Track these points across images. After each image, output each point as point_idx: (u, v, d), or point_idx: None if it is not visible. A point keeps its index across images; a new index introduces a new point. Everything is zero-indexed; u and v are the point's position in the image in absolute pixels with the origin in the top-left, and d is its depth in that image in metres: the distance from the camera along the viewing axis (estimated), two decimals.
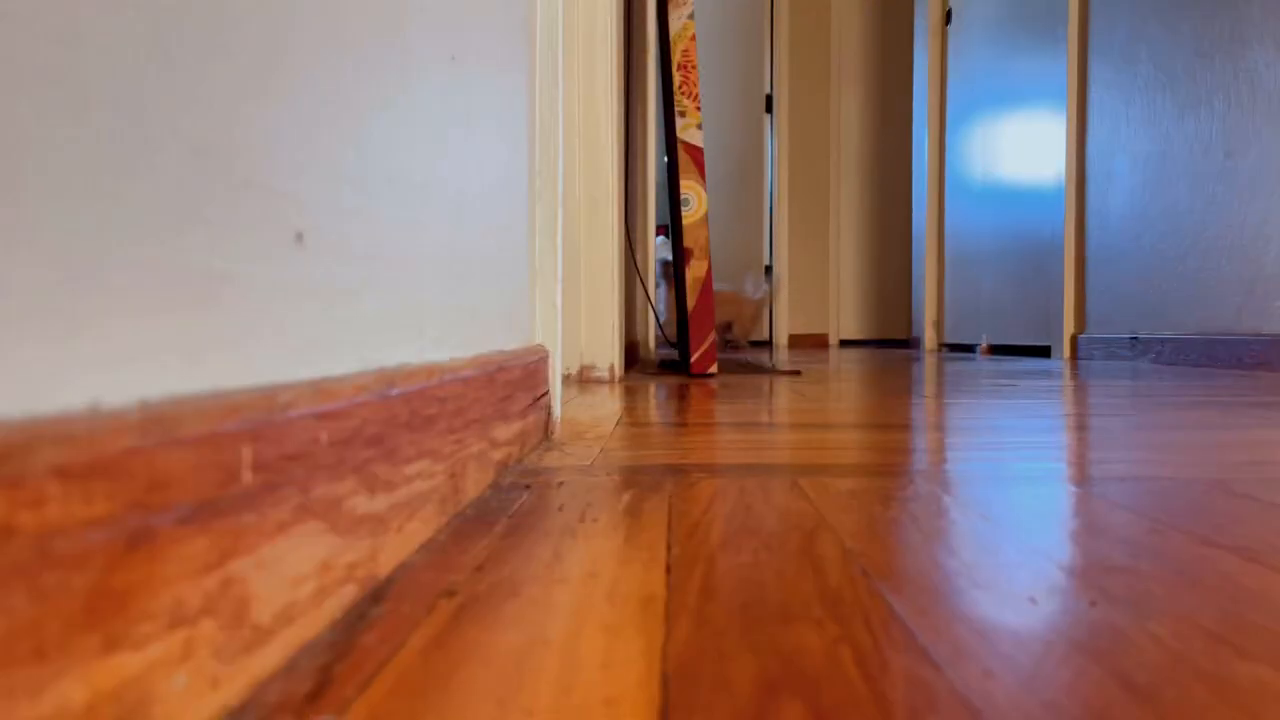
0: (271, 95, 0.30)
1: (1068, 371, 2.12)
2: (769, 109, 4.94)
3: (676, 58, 1.79)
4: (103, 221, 0.21)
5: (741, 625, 0.32)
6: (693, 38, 1.80)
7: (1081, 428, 0.95)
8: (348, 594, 0.33)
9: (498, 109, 0.68)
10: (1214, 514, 0.50)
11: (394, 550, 0.38)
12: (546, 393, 0.82)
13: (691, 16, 1.80)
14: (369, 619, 0.32)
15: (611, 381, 1.71)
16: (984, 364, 2.52)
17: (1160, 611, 0.33)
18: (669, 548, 0.43)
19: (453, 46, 0.54)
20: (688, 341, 1.80)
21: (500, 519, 0.49)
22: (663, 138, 2.36)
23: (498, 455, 0.61)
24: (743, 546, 0.43)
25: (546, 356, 0.83)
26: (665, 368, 2.19)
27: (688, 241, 1.78)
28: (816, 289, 4.97)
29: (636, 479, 0.62)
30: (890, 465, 0.68)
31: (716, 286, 3.62)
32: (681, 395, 1.37)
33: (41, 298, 0.19)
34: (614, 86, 1.77)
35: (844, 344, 4.91)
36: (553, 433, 0.85)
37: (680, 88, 1.79)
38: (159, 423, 0.22)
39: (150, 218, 0.23)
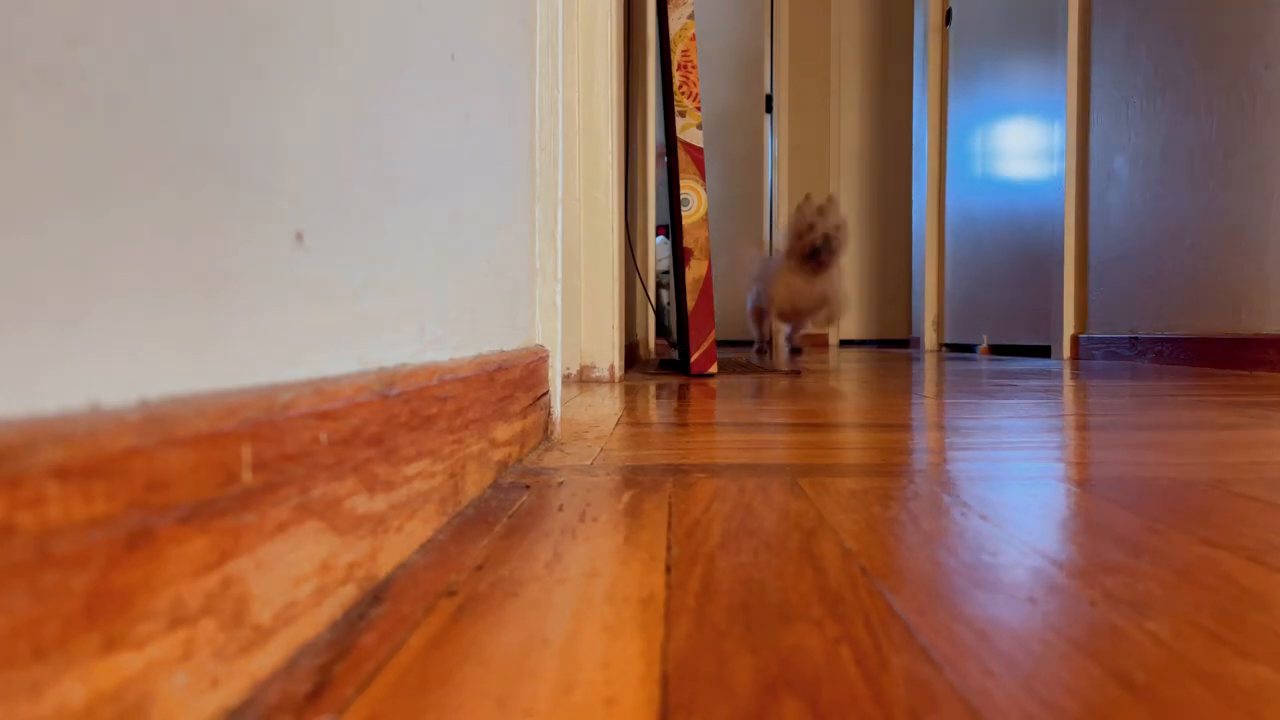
0: (272, 95, 0.30)
1: (1068, 371, 2.12)
2: (769, 109, 4.94)
3: (676, 58, 1.79)
4: (102, 221, 0.21)
5: (741, 625, 0.32)
6: (693, 38, 1.80)
7: (1081, 427, 0.95)
8: (348, 594, 0.33)
9: (497, 108, 0.68)
10: (1214, 514, 0.50)
11: (394, 550, 0.38)
12: (546, 392, 0.82)
13: (691, 16, 1.80)
14: (369, 619, 0.32)
15: (611, 381, 1.71)
16: (984, 364, 2.52)
17: (1160, 611, 0.33)
18: (669, 547, 0.43)
19: (452, 45, 0.54)
20: (688, 341, 1.80)
21: (500, 519, 0.49)
22: (663, 138, 2.36)
23: (498, 455, 0.61)
24: (743, 546, 0.43)
25: (546, 356, 0.83)
26: (665, 368, 2.19)
27: (688, 241, 1.78)
28: None
29: (636, 479, 0.62)
30: (890, 465, 0.68)
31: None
32: (681, 395, 1.37)
33: (42, 297, 0.19)
34: (614, 86, 1.77)
35: (844, 344, 4.91)
36: (553, 432, 0.85)
37: (680, 88, 1.79)
38: (159, 422, 0.22)
39: (150, 217, 0.23)
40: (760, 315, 3.01)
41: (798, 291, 2.47)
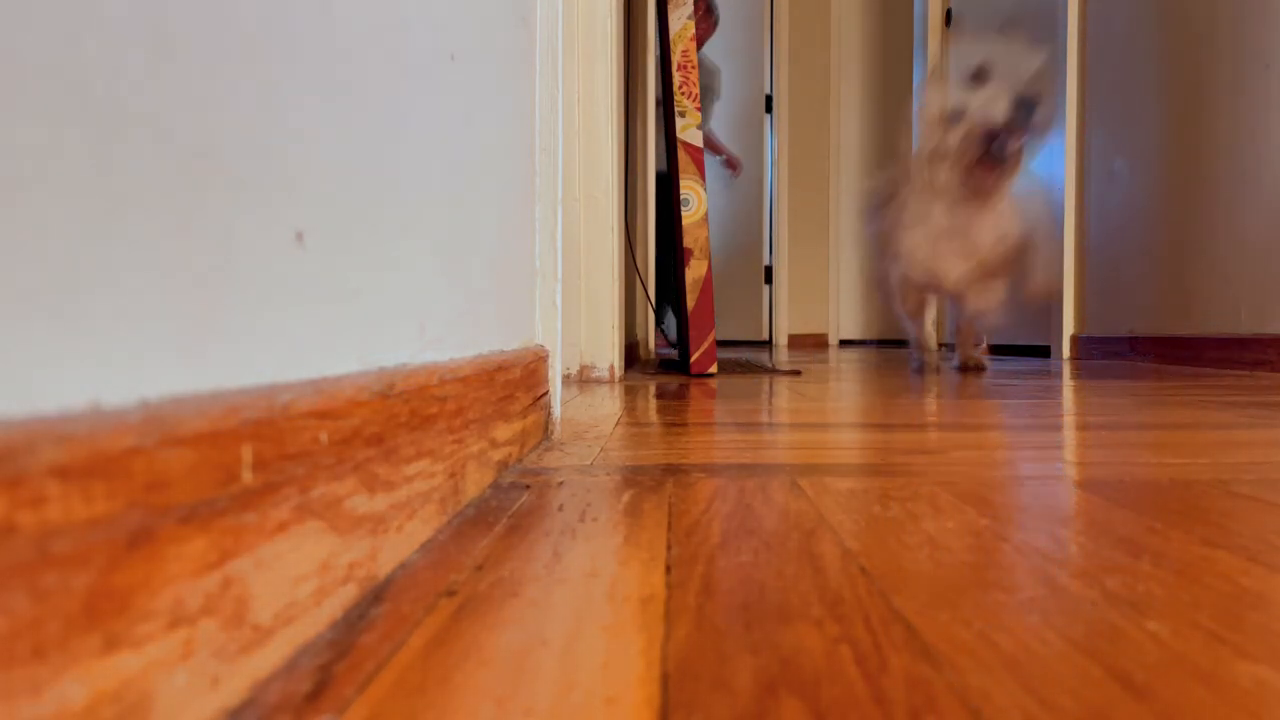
0: (272, 95, 0.30)
1: (1067, 371, 2.12)
2: (769, 109, 4.94)
3: (676, 58, 1.79)
4: (103, 221, 0.21)
5: (741, 624, 0.32)
6: (693, 38, 1.80)
7: (1081, 427, 0.95)
8: (348, 593, 0.33)
9: (498, 108, 0.68)
10: (1214, 514, 0.50)
11: (394, 550, 0.38)
12: (546, 392, 0.82)
13: (691, 17, 1.80)
14: (369, 618, 0.32)
15: (611, 381, 1.71)
16: (984, 364, 2.51)
17: (1160, 611, 0.33)
18: (669, 547, 0.43)
19: (452, 45, 0.54)
20: (688, 341, 1.80)
21: (500, 518, 0.49)
22: (663, 137, 2.35)
23: (498, 455, 0.61)
24: (743, 546, 0.43)
25: (546, 356, 0.83)
26: (665, 368, 2.19)
27: (687, 241, 1.78)
28: (816, 289, 4.97)
29: (636, 479, 0.62)
30: (890, 465, 0.68)
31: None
32: (681, 395, 1.37)
33: (41, 298, 0.19)
34: (614, 86, 1.77)
35: (843, 344, 4.90)
36: (553, 432, 0.85)
37: (680, 88, 1.79)
38: (159, 422, 0.22)
39: (150, 217, 0.23)
40: (907, 290, 1.63)
41: (950, 237, 1.25)
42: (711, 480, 0.61)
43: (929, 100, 1.40)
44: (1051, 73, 1.32)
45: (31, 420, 0.18)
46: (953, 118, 1.34)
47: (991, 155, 1.25)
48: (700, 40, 3.67)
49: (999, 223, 1.25)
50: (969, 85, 1.32)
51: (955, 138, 1.31)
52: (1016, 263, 1.32)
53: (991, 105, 1.27)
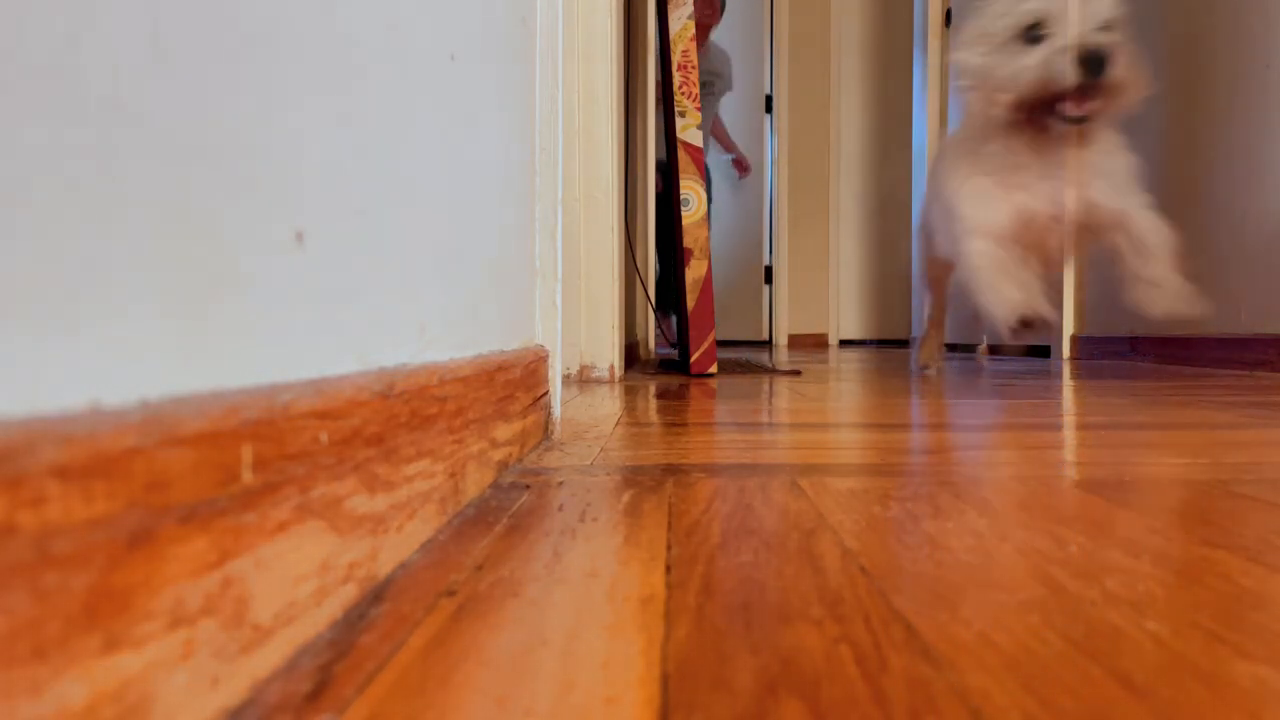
0: (272, 95, 0.30)
1: (1068, 371, 2.12)
2: (769, 109, 4.94)
3: (676, 58, 1.79)
4: (102, 221, 0.21)
5: (742, 624, 0.32)
6: (693, 38, 1.80)
7: (1082, 427, 0.95)
8: (348, 593, 0.33)
9: (498, 108, 0.68)
10: (1214, 514, 0.50)
11: (394, 550, 0.38)
12: (546, 392, 0.82)
13: (691, 17, 1.80)
14: (369, 618, 0.32)
15: (611, 381, 1.71)
16: (984, 364, 2.51)
17: (1160, 611, 0.33)
18: (669, 547, 0.43)
19: (452, 45, 0.54)
20: (687, 341, 1.80)
21: (500, 518, 0.49)
22: (663, 137, 2.35)
23: (498, 455, 0.60)
24: (743, 546, 0.43)
25: (546, 356, 0.83)
26: (665, 368, 2.19)
27: (688, 241, 1.78)
28: (816, 289, 4.97)
29: (636, 479, 0.62)
30: (890, 465, 0.68)
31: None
32: (681, 395, 1.37)
33: (42, 297, 0.19)
34: (614, 86, 1.77)
35: (843, 344, 4.90)
36: (553, 432, 0.85)
37: (680, 88, 1.79)
38: (159, 422, 0.22)
39: (150, 217, 0.23)
40: (937, 279, 1.45)
41: (1015, 200, 0.99)
42: (711, 480, 0.61)
43: (964, 61, 1.17)
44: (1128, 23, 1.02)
45: (31, 420, 0.18)
46: (999, 79, 1.11)
47: (1052, 121, 1.05)
48: (707, 28, 3.65)
49: (1065, 189, 0.99)
50: (1020, 43, 1.10)
51: (1003, 102, 1.11)
52: (1085, 244, 1.03)
53: (1049, 65, 1.04)
